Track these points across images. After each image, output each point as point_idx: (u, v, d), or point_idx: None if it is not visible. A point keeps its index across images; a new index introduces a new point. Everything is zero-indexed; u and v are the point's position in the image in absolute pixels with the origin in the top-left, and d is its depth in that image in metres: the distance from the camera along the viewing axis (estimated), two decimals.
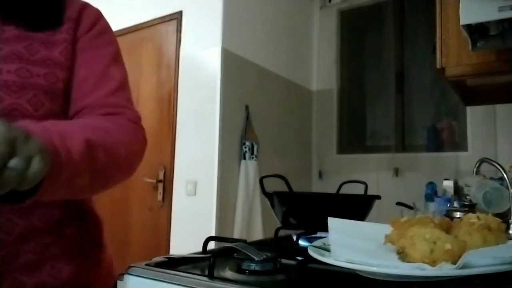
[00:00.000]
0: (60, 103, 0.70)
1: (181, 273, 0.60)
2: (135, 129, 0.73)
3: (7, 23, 0.67)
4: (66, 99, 0.71)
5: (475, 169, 1.20)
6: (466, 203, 1.33)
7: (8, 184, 0.44)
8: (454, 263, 0.50)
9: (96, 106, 0.70)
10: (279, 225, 0.92)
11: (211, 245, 0.77)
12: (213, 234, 2.35)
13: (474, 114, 2.75)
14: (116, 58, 0.77)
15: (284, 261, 0.65)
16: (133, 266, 0.63)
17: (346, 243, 0.59)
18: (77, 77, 0.71)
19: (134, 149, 0.71)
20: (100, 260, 0.76)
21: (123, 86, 0.75)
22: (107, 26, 0.78)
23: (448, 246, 0.51)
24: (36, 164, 0.46)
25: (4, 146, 0.43)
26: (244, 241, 0.68)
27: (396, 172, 2.99)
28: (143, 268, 0.62)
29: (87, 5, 0.78)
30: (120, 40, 0.86)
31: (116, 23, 0.99)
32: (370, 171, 3.04)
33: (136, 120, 0.74)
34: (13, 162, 0.44)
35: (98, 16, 0.78)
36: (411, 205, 2.52)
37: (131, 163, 0.71)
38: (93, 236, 0.76)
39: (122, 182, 0.72)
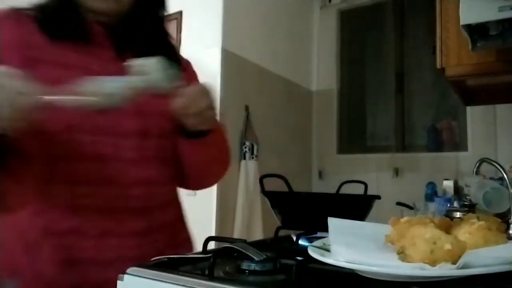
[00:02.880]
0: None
1: (181, 273, 0.60)
2: None
3: None
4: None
5: (475, 169, 1.20)
6: (466, 203, 1.33)
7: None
8: (454, 263, 0.50)
9: None
10: (279, 225, 0.92)
11: (211, 245, 0.76)
12: (213, 234, 2.35)
13: (474, 114, 2.75)
14: None
15: (284, 261, 0.65)
16: (133, 266, 0.63)
17: (346, 243, 0.59)
18: None
19: (230, 157, 0.98)
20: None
21: None
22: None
23: (448, 246, 0.51)
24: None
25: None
26: (244, 241, 0.68)
27: (396, 172, 2.99)
28: (143, 268, 0.62)
29: (188, 61, 1.00)
30: None
31: None
32: (370, 171, 3.04)
33: None
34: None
35: (191, 65, 1.01)
36: (411, 205, 2.52)
37: (227, 166, 0.97)
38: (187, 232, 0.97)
39: (212, 184, 1.01)
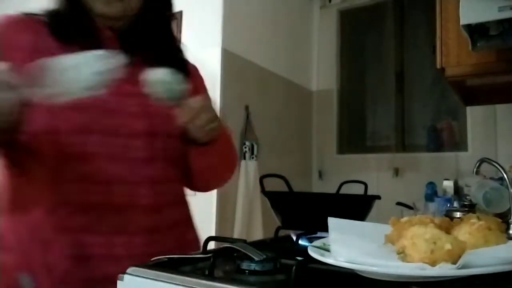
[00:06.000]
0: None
1: (181, 273, 0.60)
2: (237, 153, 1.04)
3: None
4: None
5: (475, 169, 1.20)
6: (466, 203, 1.33)
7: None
8: (454, 263, 0.50)
9: None
10: (279, 225, 0.92)
11: (211, 245, 0.77)
12: (213, 234, 2.35)
13: (474, 114, 2.75)
14: None
15: (284, 261, 0.65)
16: (133, 266, 0.63)
17: (346, 243, 0.59)
18: None
19: (235, 166, 1.02)
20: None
21: None
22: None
23: (448, 246, 0.51)
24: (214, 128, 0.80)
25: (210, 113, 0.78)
26: (244, 241, 0.68)
27: (396, 172, 2.99)
28: (143, 268, 0.62)
29: (196, 67, 1.02)
30: None
31: None
32: (370, 171, 3.04)
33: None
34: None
35: (202, 76, 1.03)
36: (411, 205, 2.52)
37: (233, 170, 1.02)
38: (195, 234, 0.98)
39: (218, 187, 1.10)
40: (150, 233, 0.80)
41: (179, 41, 0.96)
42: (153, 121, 0.82)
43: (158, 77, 0.72)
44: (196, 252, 0.74)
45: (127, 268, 0.63)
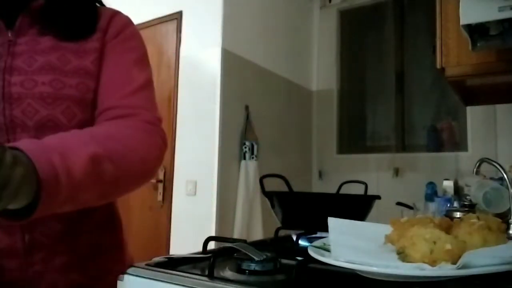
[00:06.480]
0: (91, 112, 0.71)
1: (181, 273, 0.60)
2: (152, 131, 0.70)
3: (44, 34, 0.68)
4: (95, 107, 0.71)
5: (475, 169, 1.20)
6: (466, 203, 1.33)
7: None
8: (454, 263, 0.50)
9: (113, 108, 0.69)
10: (279, 225, 0.92)
11: (211, 245, 0.77)
12: (213, 234, 2.35)
13: (474, 114, 2.75)
14: (140, 61, 0.76)
15: (284, 261, 0.65)
16: (133, 266, 0.63)
17: (346, 243, 0.59)
18: (101, 82, 0.71)
19: (150, 153, 0.69)
20: (123, 259, 0.79)
21: (144, 87, 0.73)
22: (133, 32, 0.77)
23: (448, 246, 0.51)
24: (9, 192, 0.45)
25: None
26: (244, 241, 0.68)
27: (396, 172, 2.99)
28: (143, 268, 0.62)
29: (117, 13, 0.78)
30: None
31: None
32: (370, 171, 3.04)
33: (153, 122, 0.71)
34: None
35: (125, 23, 0.77)
36: (411, 205, 2.52)
37: (147, 168, 0.69)
38: (116, 238, 0.80)
39: (141, 186, 0.73)
40: (24, 254, 0.66)
41: None
42: (14, 111, 0.64)
43: None
44: (196, 252, 0.74)
45: None
